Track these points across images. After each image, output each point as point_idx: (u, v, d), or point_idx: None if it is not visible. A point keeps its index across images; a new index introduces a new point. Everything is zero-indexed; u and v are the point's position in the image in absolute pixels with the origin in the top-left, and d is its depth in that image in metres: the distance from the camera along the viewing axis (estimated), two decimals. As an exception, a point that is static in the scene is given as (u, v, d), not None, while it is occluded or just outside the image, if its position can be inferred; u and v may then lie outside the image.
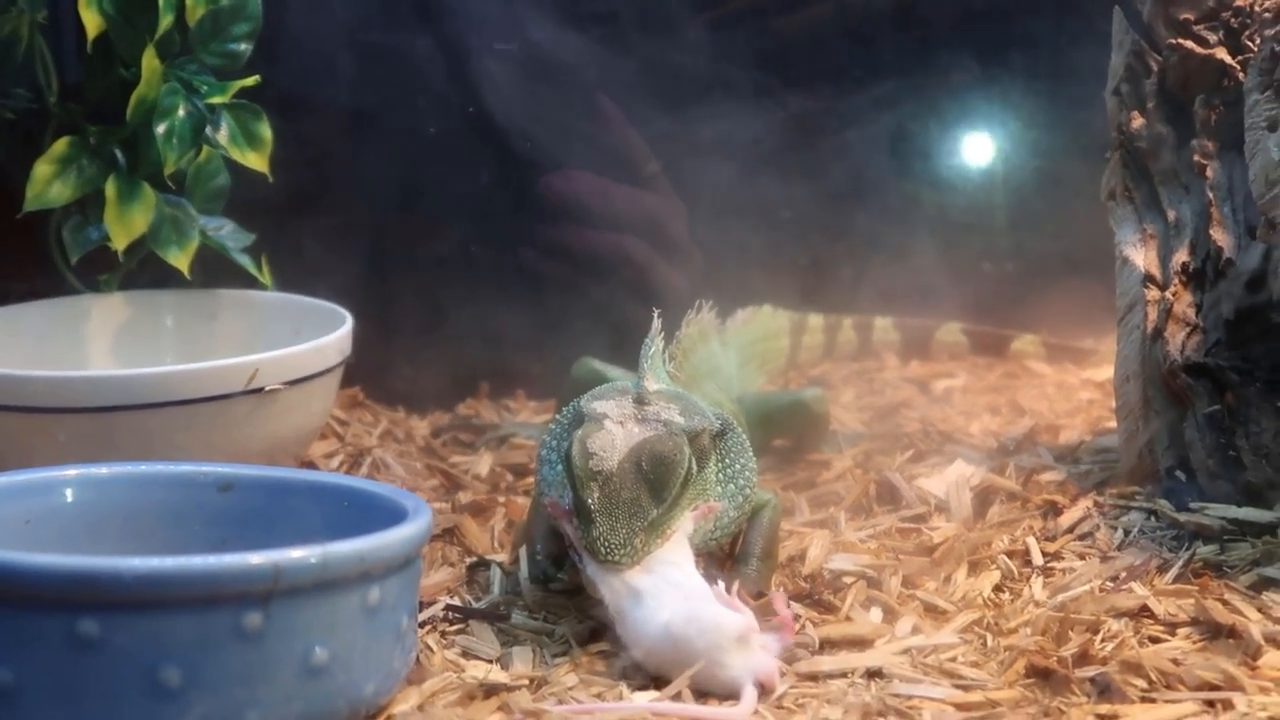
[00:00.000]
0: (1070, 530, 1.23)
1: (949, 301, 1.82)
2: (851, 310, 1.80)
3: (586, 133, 1.68)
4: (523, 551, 1.20)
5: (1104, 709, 0.93)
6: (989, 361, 1.81)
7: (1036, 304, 1.81)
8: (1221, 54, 1.26)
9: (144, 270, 1.48)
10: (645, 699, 0.97)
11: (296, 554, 0.85)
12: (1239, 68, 1.25)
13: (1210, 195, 1.26)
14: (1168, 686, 0.96)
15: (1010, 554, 1.19)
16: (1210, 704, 0.93)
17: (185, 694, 0.82)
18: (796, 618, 1.11)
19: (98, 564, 0.81)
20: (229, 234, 1.50)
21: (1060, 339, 1.81)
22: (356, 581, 0.89)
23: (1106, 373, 1.70)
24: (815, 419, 1.48)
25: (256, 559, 0.84)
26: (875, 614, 1.13)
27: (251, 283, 1.51)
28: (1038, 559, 1.18)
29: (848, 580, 1.18)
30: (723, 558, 1.18)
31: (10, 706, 0.81)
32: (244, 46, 1.43)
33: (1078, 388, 1.71)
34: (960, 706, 0.95)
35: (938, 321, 1.83)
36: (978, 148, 1.87)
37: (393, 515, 0.98)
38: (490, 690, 0.98)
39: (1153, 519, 1.21)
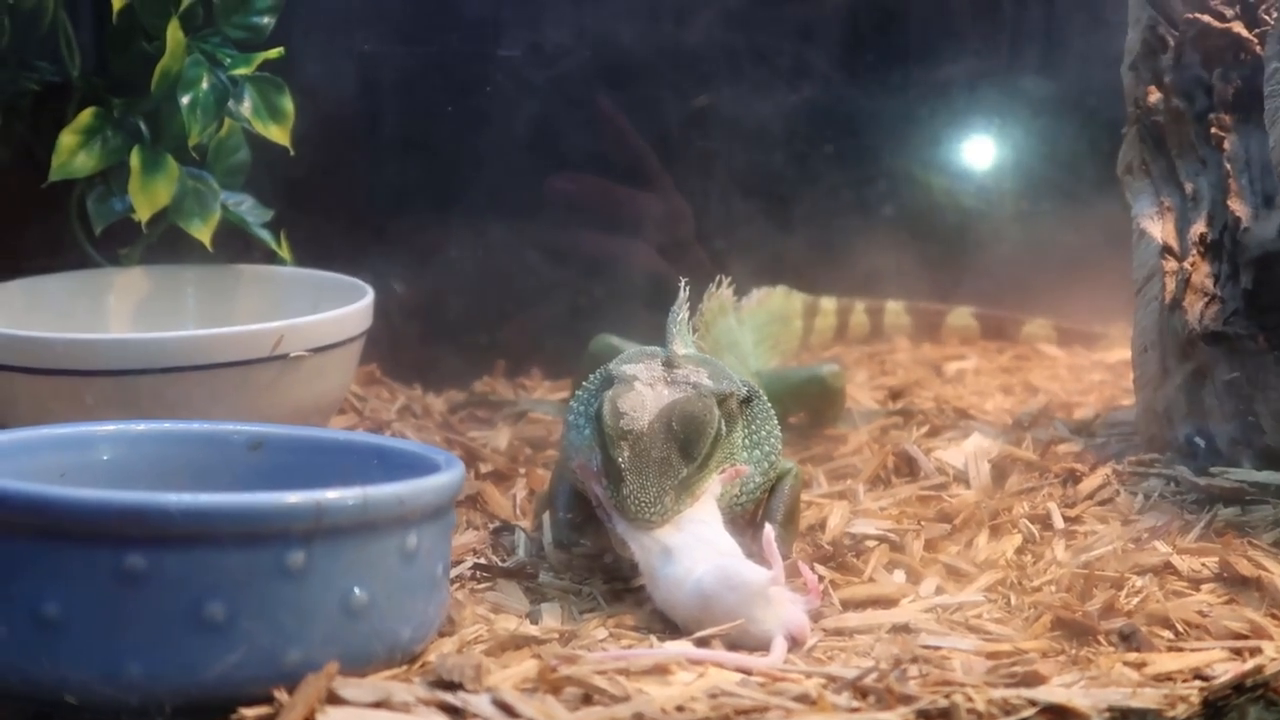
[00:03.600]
0: (1090, 496, 1.24)
1: (961, 286, 1.84)
2: (864, 294, 1.82)
3: (597, 120, 1.70)
4: (546, 517, 1.21)
5: (1131, 657, 0.94)
6: (1000, 345, 1.82)
7: (1048, 289, 1.83)
8: (1238, 27, 1.27)
9: (164, 246, 1.49)
10: (677, 646, 0.97)
11: (338, 494, 0.86)
12: (1256, 40, 1.27)
13: (1228, 167, 1.27)
14: (1195, 637, 0.97)
15: (1031, 519, 1.21)
16: (1237, 652, 0.94)
17: (229, 629, 0.83)
18: (820, 579, 1.12)
19: (145, 499, 0.82)
20: (249, 209, 1.51)
21: (1072, 323, 1.82)
22: (395, 525, 0.90)
23: (1118, 356, 1.72)
24: (832, 394, 1.49)
25: (300, 498, 0.85)
26: (898, 576, 1.14)
27: (271, 258, 1.51)
28: (1059, 523, 1.19)
29: (870, 544, 1.19)
30: (745, 525, 1.19)
31: (58, 639, 0.82)
32: (267, 20, 1.44)
33: (1089, 369, 1.72)
34: (990, 656, 0.96)
35: (949, 306, 1.84)
36: (989, 136, 1.88)
37: (425, 469, 0.99)
38: (522, 642, 0.99)
39: (1173, 484, 1.22)
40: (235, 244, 1.51)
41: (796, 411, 1.49)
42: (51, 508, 0.82)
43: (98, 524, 0.81)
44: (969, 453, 1.35)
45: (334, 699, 0.83)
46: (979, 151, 1.89)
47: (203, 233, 1.42)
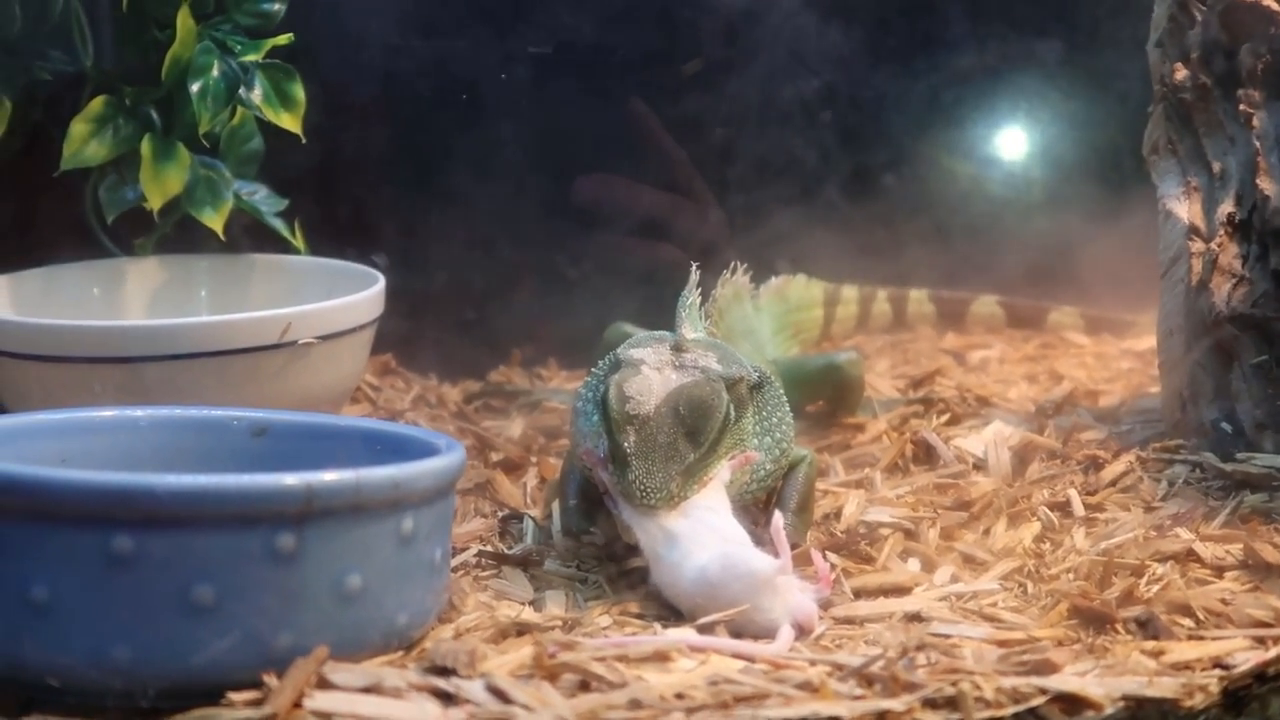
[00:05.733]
0: (1113, 484, 1.21)
1: (985, 274, 1.81)
2: (886, 282, 1.79)
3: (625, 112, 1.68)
4: (555, 505, 1.19)
5: (1149, 646, 0.91)
6: (1026, 333, 1.79)
7: (1075, 276, 1.79)
8: (1268, 0, 1.24)
9: (179, 237, 1.48)
10: (679, 634, 0.95)
11: (330, 477, 0.85)
12: (1285, 14, 1.23)
13: (1257, 144, 1.23)
14: (1216, 625, 0.94)
15: (1051, 506, 1.18)
16: (1260, 640, 0.91)
17: (218, 613, 0.81)
18: (832, 568, 1.09)
19: (132, 480, 0.81)
20: (263, 199, 1.50)
21: (1100, 311, 1.79)
22: (390, 509, 0.88)
23: (1146, 344, 1.68)
24: (850, 382, 1.46)
25: (291, 480, 0.83)
26: (913, 564, 1.12)
27: (285, 248, 1.51)
28: (1079, 510, 1.16)
29: (884, 532, 1.16)
30: (757, 513, 1.17)
31: (46, 622, 0.81)
32: (277, 6, 1.43)
33: (1117, 357, 1.69)
34: (1002, 644, 0.93)
35: (973, 294, 1.81)
36: (1016, 121, 1.85)
37: (429, 454, 0.97)
38: (523, 629, 0.97)
39: (1198, 471, 1.19)
40: (250, 234, 1.51)
41: (815, 400, 1.46)
42: (38, 490, 0.81)
43: (85, 506, 0.80)
44: (989, 440, 1.32)
45: (324, 684, 0.82)
46: (1007, 137, 1.86)
47: (215, 221, 1.42)
